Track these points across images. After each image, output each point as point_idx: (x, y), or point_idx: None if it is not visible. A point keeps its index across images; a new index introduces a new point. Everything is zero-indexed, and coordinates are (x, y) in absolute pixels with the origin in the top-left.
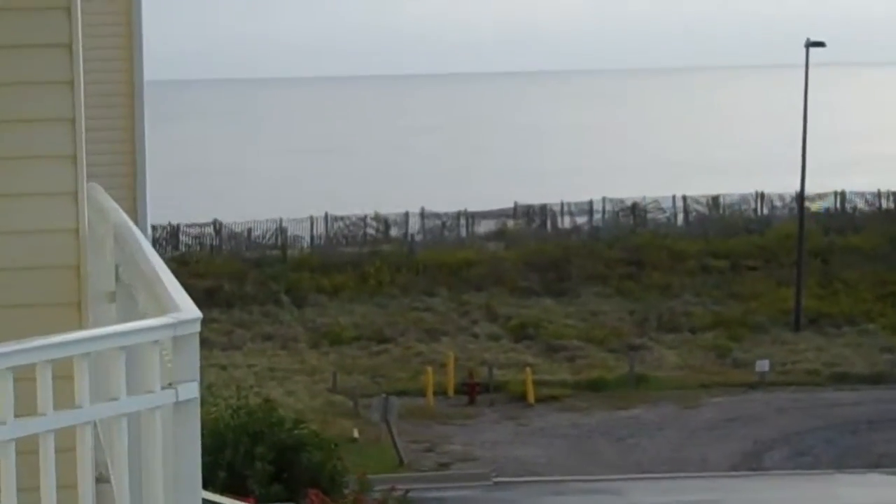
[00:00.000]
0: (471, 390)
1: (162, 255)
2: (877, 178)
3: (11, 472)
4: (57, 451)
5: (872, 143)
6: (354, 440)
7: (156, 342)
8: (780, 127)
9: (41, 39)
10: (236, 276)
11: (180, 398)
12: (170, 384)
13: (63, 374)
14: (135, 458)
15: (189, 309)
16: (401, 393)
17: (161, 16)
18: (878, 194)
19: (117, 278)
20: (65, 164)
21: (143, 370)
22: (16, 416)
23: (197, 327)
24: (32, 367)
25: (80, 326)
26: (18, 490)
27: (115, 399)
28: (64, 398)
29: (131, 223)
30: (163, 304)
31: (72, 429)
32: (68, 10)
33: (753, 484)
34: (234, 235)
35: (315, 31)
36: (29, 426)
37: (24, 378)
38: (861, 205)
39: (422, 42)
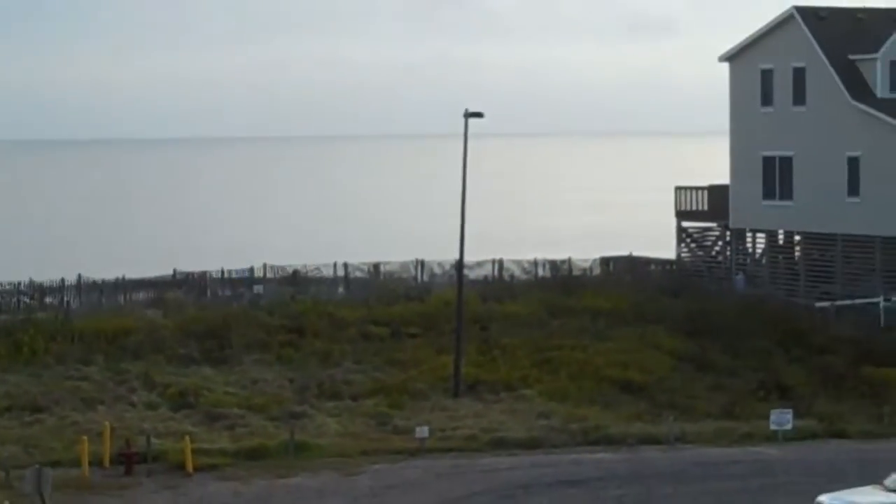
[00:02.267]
0: (128, 460)
1: None
2: (534, 248)
3: None
4: None
5: (531, 213)
6: None
7: None
8: (438, 195)
9: None
10: None
11: None
12: None
13: None
14: None
15: None
16: (55, 463)
17: None
18: (535, 262)
19: None
20: None
21: None
22: None
23: None
24: None
25: None
26: None
27: None
28: None
29: None
30: None
31: None
32: None
33: None
34: None
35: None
36: None
37: None
38: (518, 272)
39: (59, 108)
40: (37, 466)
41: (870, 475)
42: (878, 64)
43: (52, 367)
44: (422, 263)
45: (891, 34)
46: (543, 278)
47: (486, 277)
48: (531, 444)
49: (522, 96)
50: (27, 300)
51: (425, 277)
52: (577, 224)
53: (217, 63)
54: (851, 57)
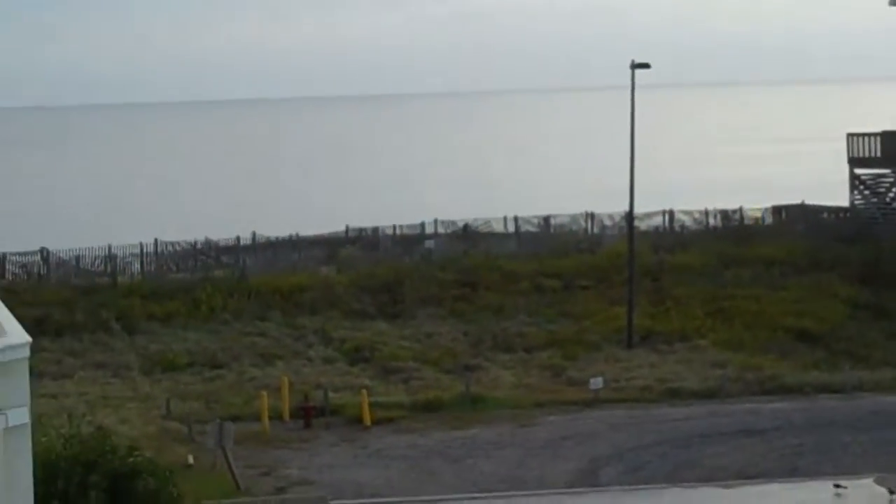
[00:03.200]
0: (306, 414)
1: None
2: (703, 198)
3: None
4: None
5: (698, 163)
6: (190, 466)
7: None
8: (609, 148)
9: None
10: (65, 304)
11: (10, 424)
12: None
13: None
14: None
15: (17, 333)
16: (236, 418)
17: None
18: (706, 212)
19: None
20: None
21: None
22: None
23: (26, 352)
24: None
25: None
26: None
27: None
28: None
29: None
30: None
31: None
32: None
33: (590, 500)
34: (62, 263)
35: (122, 57)
36: None
37: None
38: (689, 223)
39: (226, 68)
40: (218, 421)
41: None
42: None
43: (229, 323)
44: (592, 216)
45: None
46: (715, 228)
47: (656, 228)
48: (706, 394)
49: (679, 47)
50: (204, 258)
51: (596, 229)
52: (747, 174)
53: (408, 21)
54: None
